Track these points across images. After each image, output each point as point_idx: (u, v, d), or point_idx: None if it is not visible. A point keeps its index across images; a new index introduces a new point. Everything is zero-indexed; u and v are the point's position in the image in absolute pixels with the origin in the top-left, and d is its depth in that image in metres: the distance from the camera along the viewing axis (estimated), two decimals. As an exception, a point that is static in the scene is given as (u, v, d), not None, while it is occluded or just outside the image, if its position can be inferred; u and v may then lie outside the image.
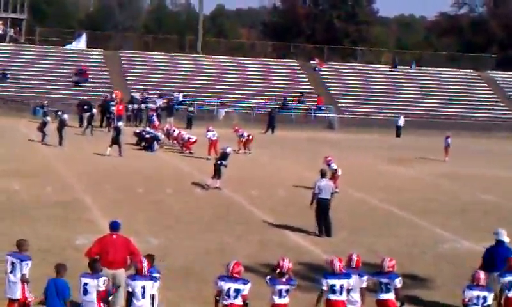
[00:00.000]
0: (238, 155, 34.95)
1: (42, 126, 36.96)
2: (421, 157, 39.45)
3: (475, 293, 11.80)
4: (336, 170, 27.02)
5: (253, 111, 54.63)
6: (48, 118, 38.61)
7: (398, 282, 12.19)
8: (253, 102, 56.14)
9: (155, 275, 11.85)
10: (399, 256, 17.04)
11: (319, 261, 17.57)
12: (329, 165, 27.20)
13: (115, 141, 33.47)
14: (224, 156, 26.91)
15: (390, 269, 12.28)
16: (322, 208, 20.30)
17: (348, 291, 11.88)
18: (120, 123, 36.18)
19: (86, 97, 48.93)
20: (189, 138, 36.57)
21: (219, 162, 26.46)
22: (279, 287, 11.57)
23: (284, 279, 11.69)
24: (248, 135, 37.33)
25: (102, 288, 11.51)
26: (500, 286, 12.77)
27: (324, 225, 20.26)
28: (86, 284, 11.49)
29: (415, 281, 16.26)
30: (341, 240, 19.76)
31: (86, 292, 11.44)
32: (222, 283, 11.48)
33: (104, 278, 11.65)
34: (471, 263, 16.28)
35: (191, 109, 50.56)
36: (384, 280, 12.19)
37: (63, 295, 11.45)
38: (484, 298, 11.77)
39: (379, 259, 17.22)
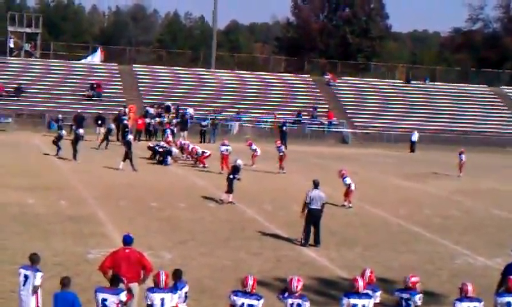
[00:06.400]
0: (251, 170, 34.91)
1: (57, 140, 37.07)
2: (436, 173, 39.32)
3: (465, 304, 11.79)
4: (349, 185, 26.94)
5: (248, 124, 54.78)
6: (64, 132, 38.78)
7: (418, 299, 12.03)
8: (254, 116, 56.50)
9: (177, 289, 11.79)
10: (414, 272, 16.93)
11: (333, 276, 17.48)
12: (343, 179, 27.14)
13: (127, 155, 33.40)
14: (235, 170, 26.87)
15: (411, 285, 12.14)
16: (312, 218, 20.37)
17: None
18: (130, 137, 36.01)
19: (100, 111, 49.13)
20: (203, 152, 36.57)
21: (231, 177, 26.42)
22: (290, 301, 11.48)
23: (297, 294, 11.58)
24: (284, 152, 36.37)
25: (124, 300, 11.51)
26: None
27: (314, 234, 20.37)
28: (105, 299, 11.39)
29: (430, 298, 16.08)
30: (356, 256, 19.66)
31: None
32: (235, 298, 11.38)
33: (124, 292, 11.60)
34: (486, 279, 16.17)
35: (204, 123, 50.76)
36: (405, 296, 12.07)
37: None
38: None
39: (395, 275, 17.18)
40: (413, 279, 12.24)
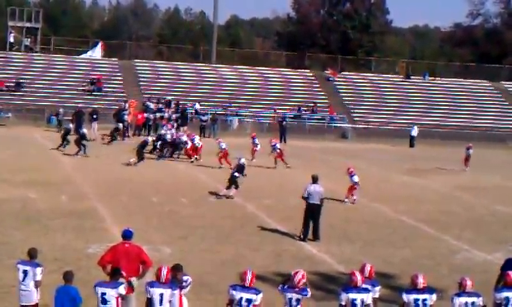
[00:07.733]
0: (251, 165, 34.86)
1: (65, 134, 37.10)
2: (436, 168, 39.30)
3: (463, 299, 11.66)
4: (357, 182, 26.85)
5: (248, 120, 54.81)
6: (70, 125, 38.89)
7: (435, 297, 11.84)
8: (252, 111, 56.57)
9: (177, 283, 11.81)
10: (413, 268, 16.92)
11: (333, 271, 17.48)
12: (351, 176, 27.04)
13: (139, 153, 33.54)
14: (240, 168, 26.95)
15: (425, 285, 11.82)
16: (311, 212, 20.35)
17: (367, 305, 11.57)
18: (149, 139, 36.51)
19: (99, 106, 49.07)
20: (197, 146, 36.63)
21: (235, 174, 26.48)
22: (289, 295, 11.45)
23: (297, 289, 11.54)
24: (280, 149, 36.21)
25: (123, 293, 11.52)
26: (496, 302, 12.36)
27: (313, 229, 20.37)
28: (104, 293, 11.38)
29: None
30: (356, 251, 19.65)
31: (104, 302, 11.36)
32: (234, 292, 11.34)
33: (123, 285, 11.60)
34: (486, 275, 16.14)
35: (204, 118, 50.77)
36: (422, 296, 11.67)
37: (74, 302, 11.38)
38: (473, 303, 11.68)
39: (395, 270, 17.17)
40: (424, 280, 11.85)
